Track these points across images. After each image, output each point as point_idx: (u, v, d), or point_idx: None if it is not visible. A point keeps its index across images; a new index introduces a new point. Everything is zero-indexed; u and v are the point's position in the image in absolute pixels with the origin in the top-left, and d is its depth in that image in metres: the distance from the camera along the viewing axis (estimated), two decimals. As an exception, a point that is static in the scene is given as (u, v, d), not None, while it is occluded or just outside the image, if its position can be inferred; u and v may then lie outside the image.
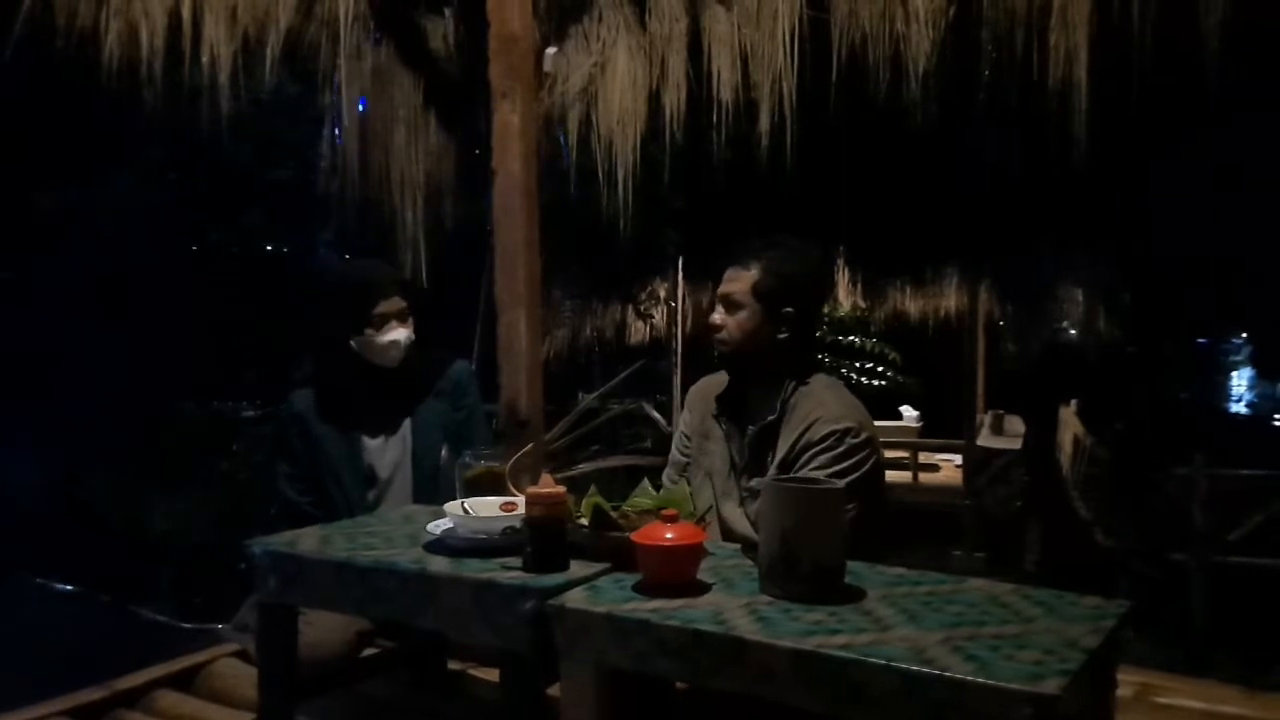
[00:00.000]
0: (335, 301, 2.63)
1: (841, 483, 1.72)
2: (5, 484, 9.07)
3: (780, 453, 2.03)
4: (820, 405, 2.04)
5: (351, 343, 2.56)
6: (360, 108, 4.21)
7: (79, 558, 6.99)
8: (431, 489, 2.55)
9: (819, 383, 2.09)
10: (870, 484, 1.98)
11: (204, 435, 10.25)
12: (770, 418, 2.07)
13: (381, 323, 2.55)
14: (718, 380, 2.24)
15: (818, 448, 1.98)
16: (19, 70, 3.32)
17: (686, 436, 2.27)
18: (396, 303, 2.57)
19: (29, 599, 6.56)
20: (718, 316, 2.13)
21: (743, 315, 2.09)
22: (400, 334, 2.57)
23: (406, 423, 2.64)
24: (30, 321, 10.87)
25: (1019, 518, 7.94)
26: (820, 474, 1.89)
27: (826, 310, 11.28)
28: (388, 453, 2.63)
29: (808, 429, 2.01)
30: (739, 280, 2.10)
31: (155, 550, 7.53)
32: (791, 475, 1.88)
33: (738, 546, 1.90)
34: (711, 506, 2.08)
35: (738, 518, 2.08)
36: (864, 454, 1.98)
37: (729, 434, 2.16)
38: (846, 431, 1.98)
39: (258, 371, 11.12)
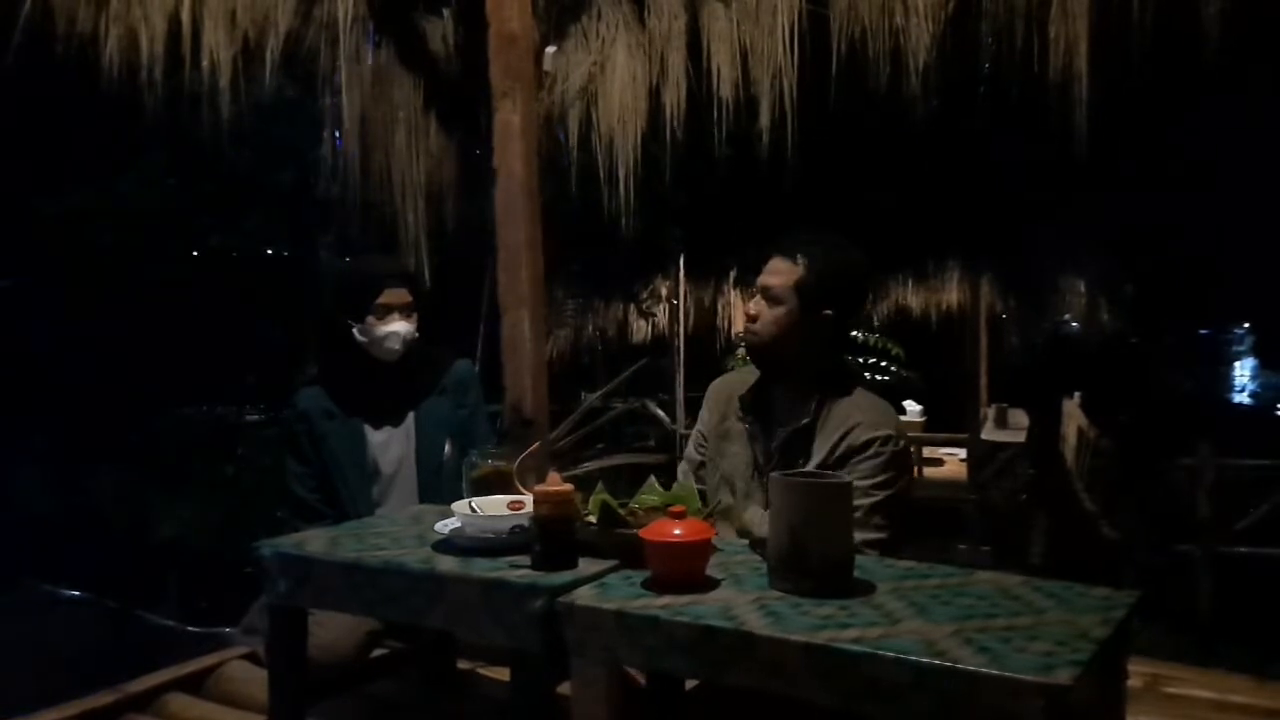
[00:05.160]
0: (340, 290, 2.66)
1: (881, 495, 1.81)
2: (11, 489, 9.08)
3: (818, 456, 1.98)
4: (858, 410, 2.00)
5: (355, 333, 2.57)
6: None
7: (85, 563, 6.99)
8: (436, 486, 2.55)
9: (855, 390, 2.06)
10: (907, 492, 1.99)
11: (208, 439, 10.27)
12: (805, 420, 2.02)
13: (384, 313, 2.55)
14: (740, 379, 2.20)
15: (861, 455, 1.95)
16: (19, 75, 3.33)
17: (703, 435, 2.22)
18: (400, 295, 2.57)
19: (36, 605, 6.56)
20: (753, 307, 2.07)
21: (780, 311, 2.03)
22: (400, 326, 2.56)
23: (410, 418, 2.64)
24: (33, 325, 10.89)
25: (1024, 511, 7.93)
26: (864, 483, 1.88)
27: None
28: (391, 448, 2.63)
29: (848, 433, 1.97)
30: (783, 274, 2.03)
31: (161, 555, 7.54)
32: (800, 470, 1.87)
33: (745, 542, 1.88)
34: (719, 502, 2.04)
35: (760, 520, 1.99)
36: (903, 463, 1.98)
37: (754, 434, 2.10)
38: (888, 439, 1.96)
39: (261, 375, 11.13)
